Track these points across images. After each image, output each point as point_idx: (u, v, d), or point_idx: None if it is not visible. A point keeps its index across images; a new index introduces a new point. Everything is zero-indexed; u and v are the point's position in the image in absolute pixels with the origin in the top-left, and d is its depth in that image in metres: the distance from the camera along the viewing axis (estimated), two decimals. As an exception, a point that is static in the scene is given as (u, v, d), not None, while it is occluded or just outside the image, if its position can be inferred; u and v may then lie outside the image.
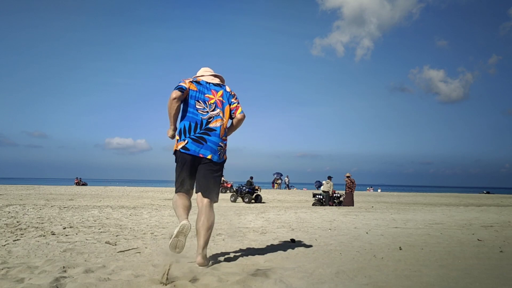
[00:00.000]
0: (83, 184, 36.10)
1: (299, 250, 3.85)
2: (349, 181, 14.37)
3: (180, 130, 3.08)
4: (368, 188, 41.00)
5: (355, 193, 18.66)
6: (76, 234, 4.95)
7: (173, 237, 2.86)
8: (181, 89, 3.02)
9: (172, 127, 3.12)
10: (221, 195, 20.71)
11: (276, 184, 36.24)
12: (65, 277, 2.56)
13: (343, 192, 14.87)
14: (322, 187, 15.11)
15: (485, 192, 36.86)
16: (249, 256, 3.41)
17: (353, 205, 13.78)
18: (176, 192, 3.24)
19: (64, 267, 2.86)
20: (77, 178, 37.73)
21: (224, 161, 3.18)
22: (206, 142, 3.02)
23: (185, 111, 3.10)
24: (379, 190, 37.82)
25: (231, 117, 3.17)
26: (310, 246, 4.13)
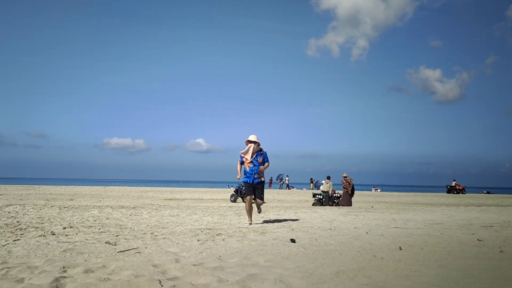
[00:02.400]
0: None
1: (299, 250, 3.85)
2: (344, 182, 14.41)
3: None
4: (372, 188, 41.06)
5: (356, 193, 18.65)
6: (76, 234, 4.95)
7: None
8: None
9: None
10: (221, 195, 20.73)
11: (271, 183, 36.66)
12: (65, 277, 2.56)
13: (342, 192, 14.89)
14: (321, 187, 15.11)
15: (485, 192, 36.78)
16: (249, 256, 3.41)
17: (350, 205, 13.79)
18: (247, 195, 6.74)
19: (64, 267, 2.87)
20: None
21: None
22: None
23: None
24: (378, 190, 37.83)
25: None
26: (310, 246, 4.13)
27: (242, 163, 6.52)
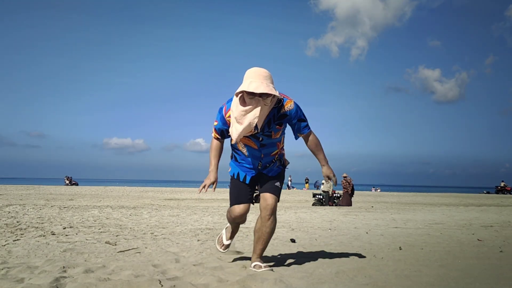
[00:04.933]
0: (74, 184, 32.53)
1: (299, 250, 3.85)
2: (344, 182, 14.46)
3: None
4: (372, 188, 41.04)
5: (356, 193, 18.66)
6: (76, 234, 4.95)
7: None
8: None
9: None
10: (221, 195, 20.71)
11: None
12: (65, 277, 2.56)
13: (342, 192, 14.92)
14: (322, 187, 15.12)
15: (485, 192, 36.79)
16: (249, 256, 3.41)
17: (350, 205, 13.81)
18: None
19: (64, 267, 2.86)
20: (67, 177, 33.35)
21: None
22: None
23: None
24: (378, 190, 37.81)
25: None
26: (310, 246, 4.13)
27: (221, 139, 2.84)
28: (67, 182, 33.25)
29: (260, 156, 2.81)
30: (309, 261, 3.19)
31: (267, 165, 2.87)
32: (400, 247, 3.92)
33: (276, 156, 2.89)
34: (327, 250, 3.83)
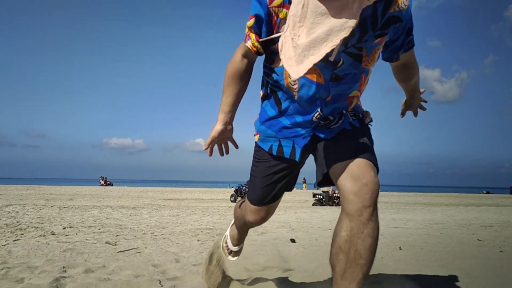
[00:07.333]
0: (108, 184, 32.73)
1: (299, 250, 3.85)
2: None
3: None
4: None
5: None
6: (76, 234, 4.95)
7: None
8: None
9: None
10: (221, 195, 20.69)
11: None
12: (65, 277, 2.56)
13: None
14: (322, 187, 15.12)
15: (485, 192, 36.86)
16: (249, 256, 3.41)
17: None
18: None
19: (64, 267, 2.86)
20: (102, 177, 33.51)
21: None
22: None
23: None
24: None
25: None
26: (310, 246, 4.13)
27: (252, 56, 1.39)
28: (102, 182, 33.44)
29: (324, 99, 1.36)
30: (309, 261, 3.19)
31: (331, 118, 1.43)
32: (400, 247, 3.92)
33: (352, 102, 1.46)
34: (327, 250, 3.82)
